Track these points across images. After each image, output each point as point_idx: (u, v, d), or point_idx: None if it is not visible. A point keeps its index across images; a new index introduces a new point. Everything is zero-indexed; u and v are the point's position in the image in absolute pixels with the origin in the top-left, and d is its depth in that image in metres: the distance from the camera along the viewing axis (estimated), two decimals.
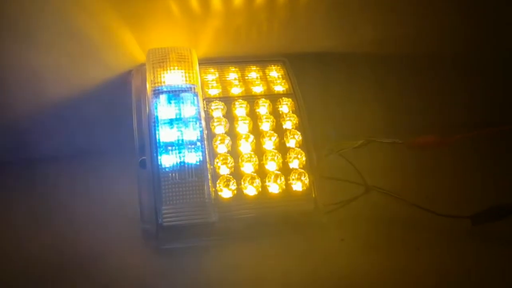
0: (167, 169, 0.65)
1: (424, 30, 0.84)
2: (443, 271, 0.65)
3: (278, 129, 0.73)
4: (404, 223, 0.72)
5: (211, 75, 0.76)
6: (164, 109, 0.67)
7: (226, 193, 0.68)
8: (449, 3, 0.83)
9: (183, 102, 0.68)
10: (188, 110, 0.68)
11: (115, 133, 0.79)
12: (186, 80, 0.68)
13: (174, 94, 0.68)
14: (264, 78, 0.77)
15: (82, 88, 0.79)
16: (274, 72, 0.78)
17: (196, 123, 0.67)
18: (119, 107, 0.77)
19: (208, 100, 0.73)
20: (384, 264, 0.66)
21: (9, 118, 0.80)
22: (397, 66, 0.86)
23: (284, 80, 0.77)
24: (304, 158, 0.71)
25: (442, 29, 0.85)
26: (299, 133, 0.73)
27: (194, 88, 0.68)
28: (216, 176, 0.68)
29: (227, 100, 0.73)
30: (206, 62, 0.77)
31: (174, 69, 0.69)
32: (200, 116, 0.68)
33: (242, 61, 0.78)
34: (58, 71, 0.78)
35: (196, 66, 0.71)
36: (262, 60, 0.79)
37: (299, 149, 0.72)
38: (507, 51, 0.88)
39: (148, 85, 0.69)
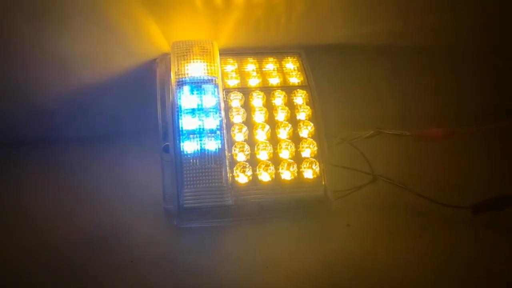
0: (188, 155, 0.70)
1: (440, 22, 0.85)
2: (443, 257, 0.68)
3: (292, 120, 0.76)
4: (407, 211, 0.75)
5: (231, 66, 0.79)
6: (187, 99, 0.71)
7: (242, 179, 0.72)
8: None
9: (204, 93, 0.71)
10: (209, 100, 0.72)
11: (138, 119, 0.83)
12: (207, 72, 0.72)
13: (197, 85, 0.71)
14: (281, 70, 0.80)
15: (108, 74, 0.83)
16: (290, 64, 0.80)
17: (216, 113, 0.71)
18: (142, 94, 0.81)
19: (227, 90, 0.76)
20: (387, 249, 0.69)
21: (37, 99, 0.83)
22: (408, 58, 0.88)
23: (299, 72, 0.79)
24: (315, 148, 0.74)
25: (457, 21, 0.86)
26: (311, 124, 0.76)
27: (215, 80, 0.72)
28: (233, 163, 0.72)
29: (245, 91, 0.77)
30: (226, 52, 0.79)
31: (197, 61, 0.72)
32: (220, 106, 0.72)
33: (260, 52, 0.81)
34: (86, 56, 0.81)
35: (217, 59, 0.74)
36: (279, 52, 0.81)
37: (311, 139, 0.75)
38: None
39: (172, 76, 0.73)
